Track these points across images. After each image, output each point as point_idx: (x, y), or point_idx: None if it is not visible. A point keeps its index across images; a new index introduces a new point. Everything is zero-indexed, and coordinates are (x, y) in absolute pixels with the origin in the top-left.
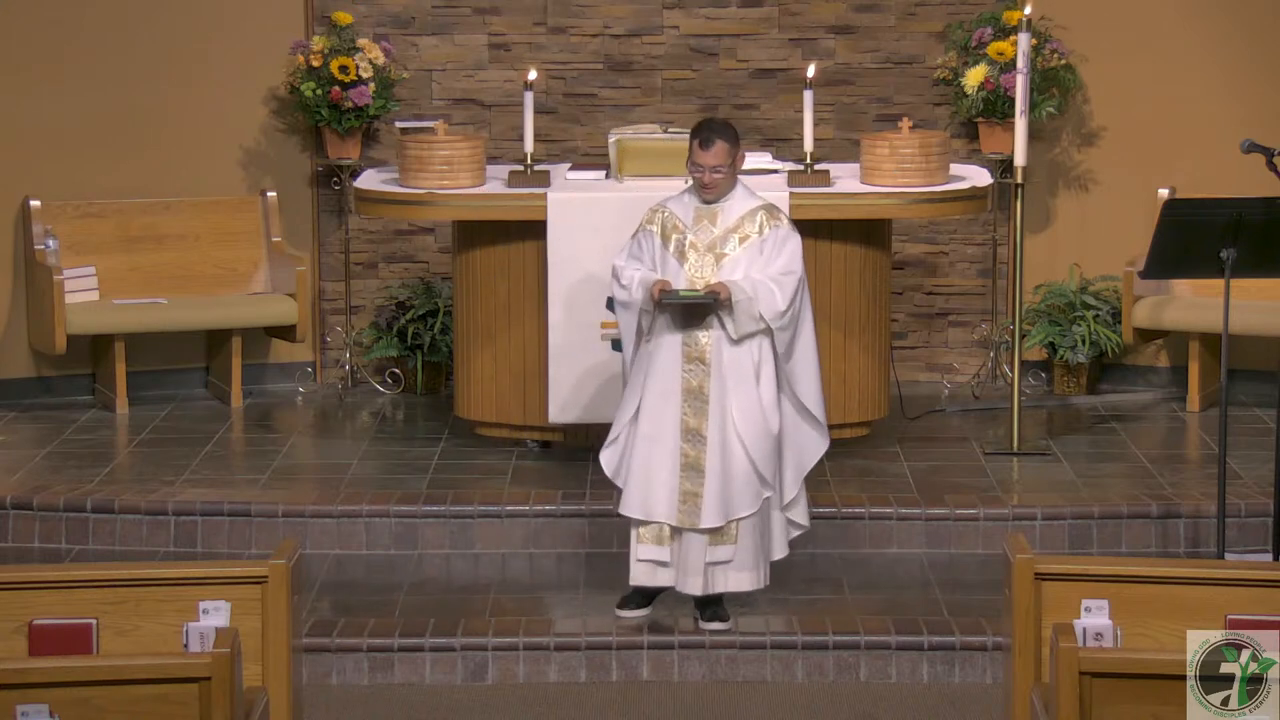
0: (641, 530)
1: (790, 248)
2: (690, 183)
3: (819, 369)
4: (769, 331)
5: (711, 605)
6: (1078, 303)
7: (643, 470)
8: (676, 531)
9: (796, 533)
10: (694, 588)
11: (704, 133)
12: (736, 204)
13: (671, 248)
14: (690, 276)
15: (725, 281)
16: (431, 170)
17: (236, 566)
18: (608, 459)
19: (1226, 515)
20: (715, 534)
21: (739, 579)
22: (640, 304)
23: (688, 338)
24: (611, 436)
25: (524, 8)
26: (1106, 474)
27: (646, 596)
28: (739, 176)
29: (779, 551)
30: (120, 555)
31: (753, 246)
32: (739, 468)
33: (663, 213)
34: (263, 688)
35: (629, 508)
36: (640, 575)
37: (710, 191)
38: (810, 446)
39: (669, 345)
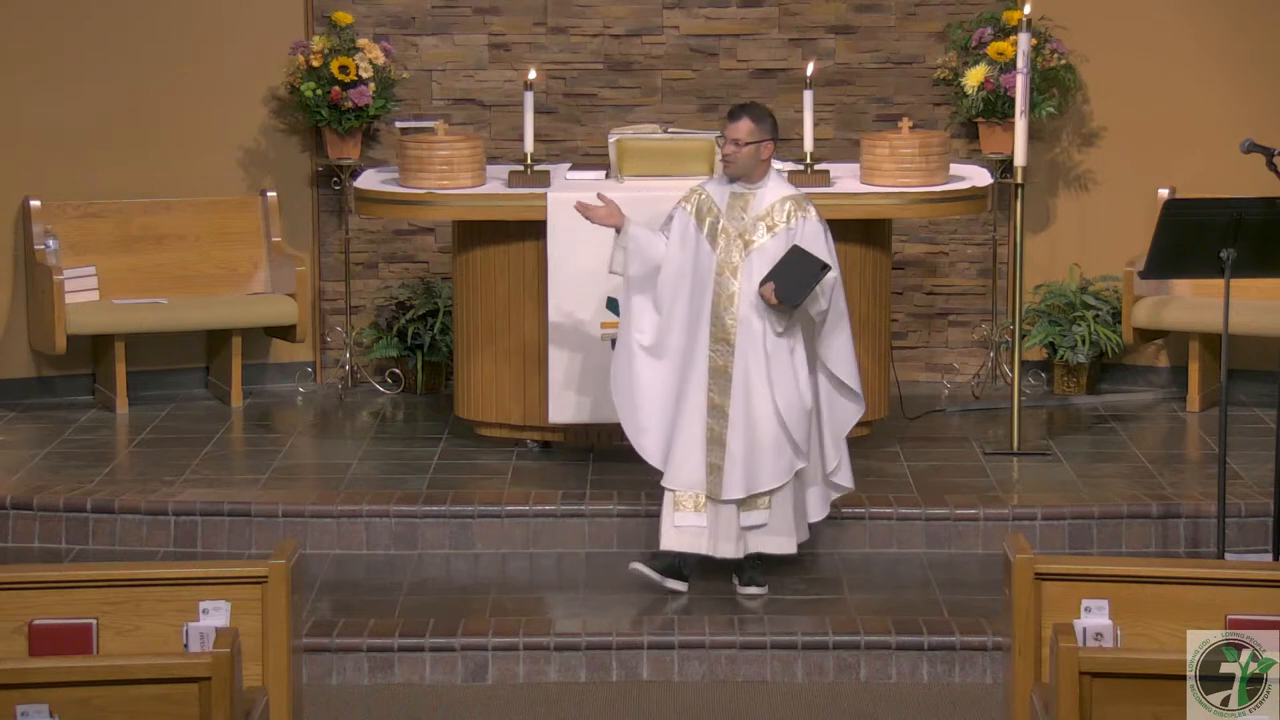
0: (680, 497)
1: (821, 241)
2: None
3: (852, 341)
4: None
5: (749, 571)
6: (1078, 303)
7: (682, 443)
8: (711, 500)
9: (838, 494)
10: (728, 552)
11: (734, 108)
12: (768, 193)
13: (705, 229)
14: (720, 259)
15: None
16: (431, 170)
17: (236, 566)
18: (653, 449)
19: (1226, 515)
20: (745, 502)
21: (775, 542)
22: (642, 246)
23: (715, 321)
24: (645, 429)
25: (524, 8)
26: (1106, 474)
27: (677, 569)
28: (775, 168)
29: (817, 514)
30: (120, 555)
31: (780, 236)
32: (765, 442)
33: (700, 194)
34: (263, 688)
35: (669, 479)
36: (674, 540)
37: (727, 166)
38: (844, 414)
39: (700, 327)
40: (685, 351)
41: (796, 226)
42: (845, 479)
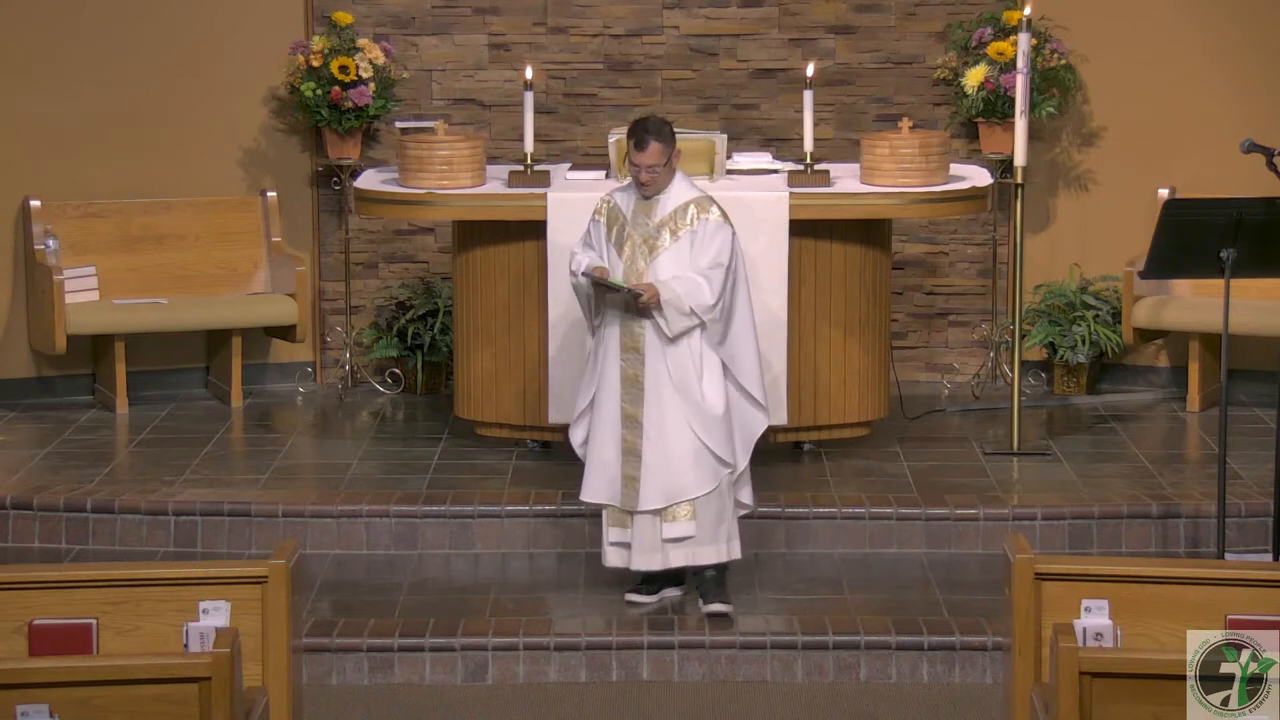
0: (608, 514)
1: (720, 239)
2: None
3: (758, 350)
4: (702, 324)
5: (714, 589)
6: (1078, 303)
7: (595, 456)
8: (626, 512)
9: (742, 512)
10: (649, 564)
11: (638, 134)
12: (672, 197)
13: (613, 237)
14: (625, 267)
15: (654, 283)
16: (431, 170)
17: (236, 566)
18: (576, 436)
19: (1226, 515)
20: (665, 512)
21: (704, 553)
22: (585, 288)
23: (625, 329)
24: (576, 412)
25: (524, 8)
26: (1106, 474)
27: (655, 582)
28: (677, 170)
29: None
30: (120, 555)
31: (684, 239)
32: (683, 451)
33: (609, 203)
34: (263, 688)
35: (584, 493)
36: (611, 557)
37: (648, 189)
38: (752, 422)
39: (611, 335)
40: (601, 363)
41: (699, 227)
42: (744, 495)
